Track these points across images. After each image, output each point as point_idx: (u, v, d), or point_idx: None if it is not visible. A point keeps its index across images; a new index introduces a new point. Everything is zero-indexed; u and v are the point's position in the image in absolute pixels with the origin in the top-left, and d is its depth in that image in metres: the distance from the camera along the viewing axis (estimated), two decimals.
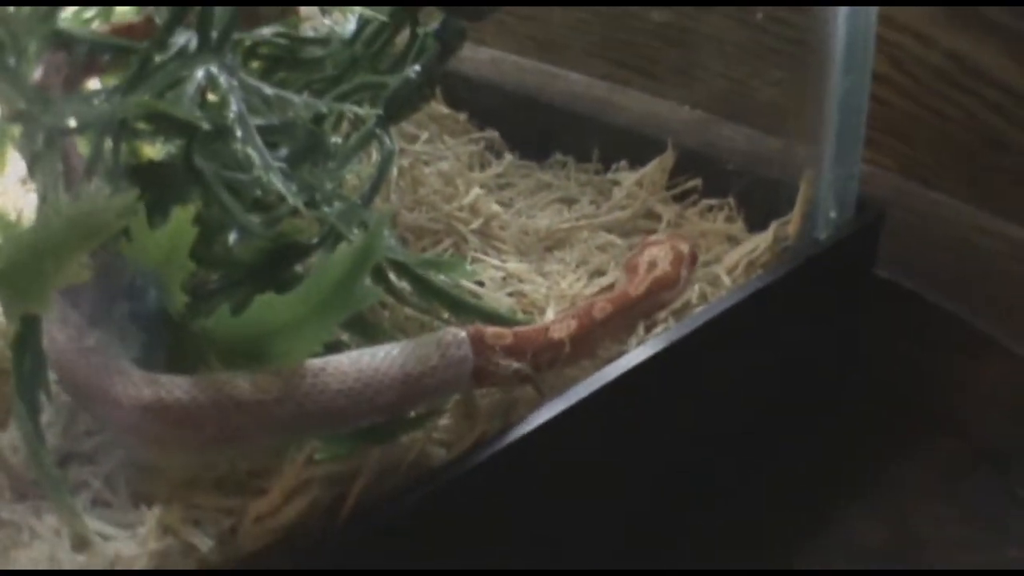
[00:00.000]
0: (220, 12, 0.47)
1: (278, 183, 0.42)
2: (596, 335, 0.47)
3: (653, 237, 0.55)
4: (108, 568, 0.39)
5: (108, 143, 0.46)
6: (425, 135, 0.66)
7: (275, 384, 0.38)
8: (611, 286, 0.54)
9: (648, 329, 0.50)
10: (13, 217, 0.41)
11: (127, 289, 0.46)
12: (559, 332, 0.45)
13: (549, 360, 0.45)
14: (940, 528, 0.54)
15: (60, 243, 0.40)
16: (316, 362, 0.38)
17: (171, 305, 0.39)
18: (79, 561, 0.39)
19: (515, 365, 0.43)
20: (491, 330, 0.43)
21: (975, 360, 0.59)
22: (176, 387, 0.38)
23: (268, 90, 0.48)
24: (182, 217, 0.36)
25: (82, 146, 0.50)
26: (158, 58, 0.47)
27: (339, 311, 0.37)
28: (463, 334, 0.42)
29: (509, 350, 0.43)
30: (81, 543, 0.40)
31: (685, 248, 0.52)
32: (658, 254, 0.51)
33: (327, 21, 0.65)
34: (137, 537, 0.40)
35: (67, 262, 0.40)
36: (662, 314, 0.51)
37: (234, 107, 0.45)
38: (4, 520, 0.41)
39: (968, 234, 0.61)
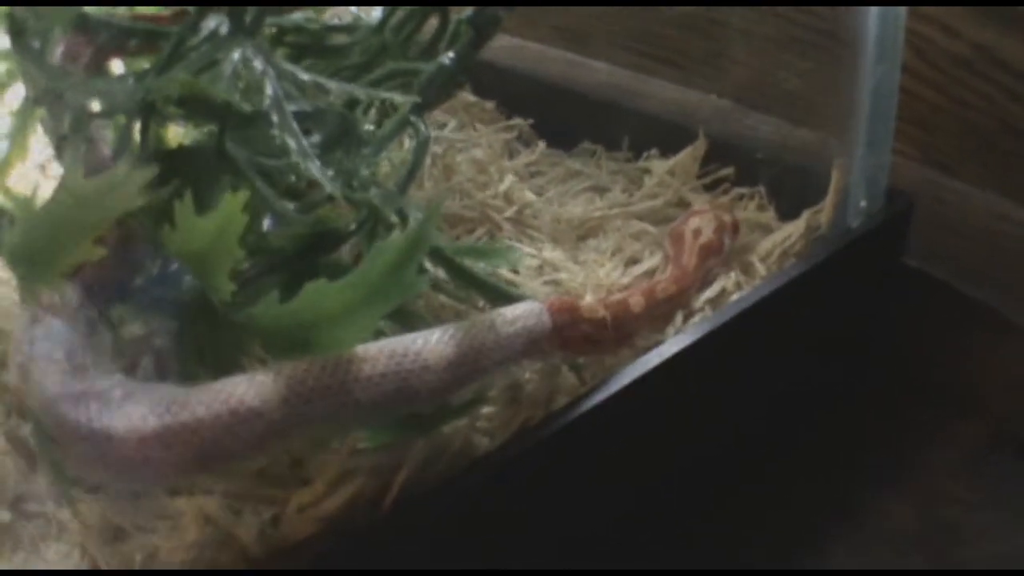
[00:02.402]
0: None
1: (315, 170, 0.42)
2: (659, 311, 0.49)
3: (696, 207, 0.56)
4: (146, 561, 0.39)
5: (136, 127, 0.45)
6: (453, 122, 0.66)
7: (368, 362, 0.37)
8: (651, 273, 0.54)
9: (686, 318, 0.50)
10: (28, 195, 0.40)
11: (159, 278, 0.46)
12: (636, 307, 0.46)
13: (627, 334, 0.46)
14: (968, 512, 0.54)
15: (74, 221, 0.40)
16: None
17: (216, 294, 0.38)
18: (108, 553, 0.39)
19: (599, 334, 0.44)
20: (586, 303, 0.45)
21: (1001, 346, 0.59)
22: (182, 406, 0.35)
23: (304, 75, 0.47)
24: (232, 203, 0.35)
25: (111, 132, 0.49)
26: (191, 41, 0.47)
27: (390, 299, 0.36)
28: (541, 306, 0.42)
29: (599, 322, 0.44)
30: (114, 535, 0.40)
31: (727, 217, 0.54)
32: (702, 223, 0.52)
33: (353, 9, 0.65)
34: (177, 528, 0.40)
35: (81, 240, 0.40)
36: (699, 303, 0.51)
37: (270, 92, 0.44)
38: (32, 512, 0.41)
39: (991, 222, 0.62)
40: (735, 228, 0.54)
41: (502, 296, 0.47)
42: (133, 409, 0.34)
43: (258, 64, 0.45)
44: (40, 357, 0.37)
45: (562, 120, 0.67)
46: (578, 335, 0.43)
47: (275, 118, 0.43)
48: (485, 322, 0.40)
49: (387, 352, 0.37)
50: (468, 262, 0.46)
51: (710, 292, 0.52)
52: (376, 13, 0.58)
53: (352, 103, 0.51)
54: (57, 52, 0.51)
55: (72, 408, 0.35)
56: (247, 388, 0.35)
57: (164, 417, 0.34)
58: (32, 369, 0.37)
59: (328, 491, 0.40)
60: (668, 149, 0.64)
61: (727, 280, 0.52)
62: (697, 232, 0.53)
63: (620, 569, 0.48)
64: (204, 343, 0.42)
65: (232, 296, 0.39)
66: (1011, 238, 0.61)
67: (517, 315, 0.41)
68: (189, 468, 0.35)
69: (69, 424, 0.34)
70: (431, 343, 0.38)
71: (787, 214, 0.59)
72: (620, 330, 0.46)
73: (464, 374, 0.39)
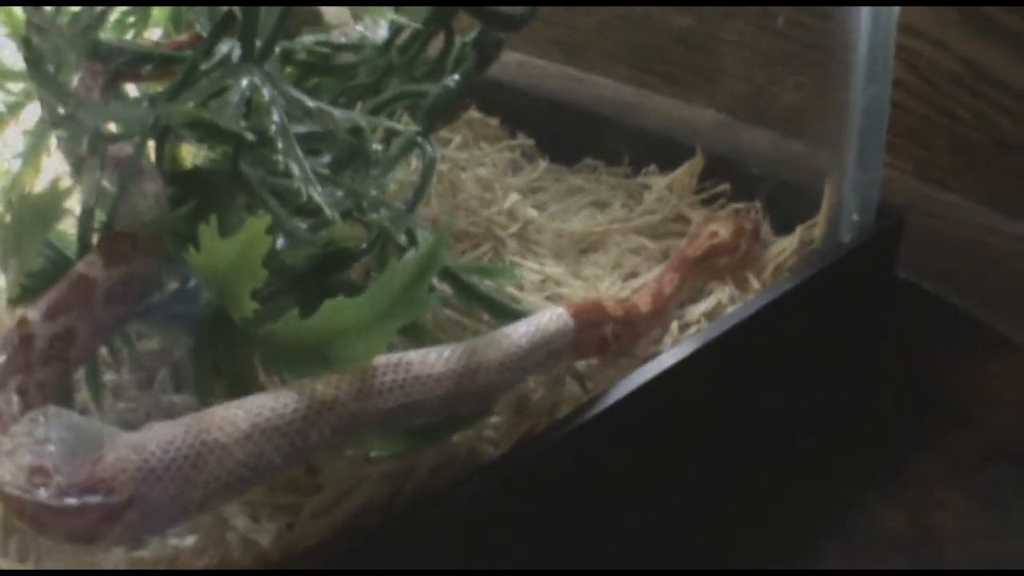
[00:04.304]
0: (264, 20, 0.48)
1: (316, 195, 0.43)
2: (669, 307, 0.52)
3: (720, 213, 0.60)
4: (168, 566, 0.41)
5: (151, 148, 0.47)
6: (458, 139, 0.68)
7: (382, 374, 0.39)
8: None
9: (682, 330, 0.52)
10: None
11: (176, 294, 0.48)
12: (645, 307, 0.50)
13: (640, 333, 0.50)
14: (957, 518, 0.56)
15: (21, 230, 0.43)
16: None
17: (238, 312, 0.40)
18: (133, 558, 0.41)
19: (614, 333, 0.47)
20: (609, 303, 0.48)
21: (991, 358, 0.61)
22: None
23: (310, 102, 0.49)
24: (257, 226, 0.37)
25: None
26: (203, 67, 0.49)
27: (404, 315, 0.38)
28: (564, 311, 0.45)
29: (620, 320, 0.48)
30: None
31: (748, 224, 0.57)
32: (720, 227, 0.56)
33: (359, 28, 0.66)
34: (197, 532, 0.42)
35: (29, 248, 0.43)
36: (695, 314, 0.53)
37: (276, 118, 0.46)
38: None
39: (982, 235, 0.63)
40: (755, 234, 0.58)
41: (506, 312, 0.49)
42: None
43: (266, 92, 0.47)
44: None
45: (564, 136, 0.69)
46: (599, 337, 0.46)
47: (280, 144, 0.45)
48: (512, 331, 0.43)
49: (404, 363, 0.39)
50: (474, 279, 0.48)
51: (705, 305, 0.54)
52: (382, 31, 0.60)
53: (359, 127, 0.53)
54: (75, 78, 0.53)
55: None
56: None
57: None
58: None
59: (341, 497, 0.42)
60: (667, 164, 0.66)
61: (722, 294, 0.54)
62: (713, 234, 0.56)
63: (621, 570, 0.50)
64: (222, 358, 0.44)
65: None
66: (1002, 252, 0.62)
67: (542, 322, 0.44)
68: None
69: None
70: (443, 357, 0.40)
71: (783, 228, 0.61)
72: (635, 328, 0.49)
73: (496, 382, 0.41)
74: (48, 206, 0.44)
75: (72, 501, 0.34)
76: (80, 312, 0.41)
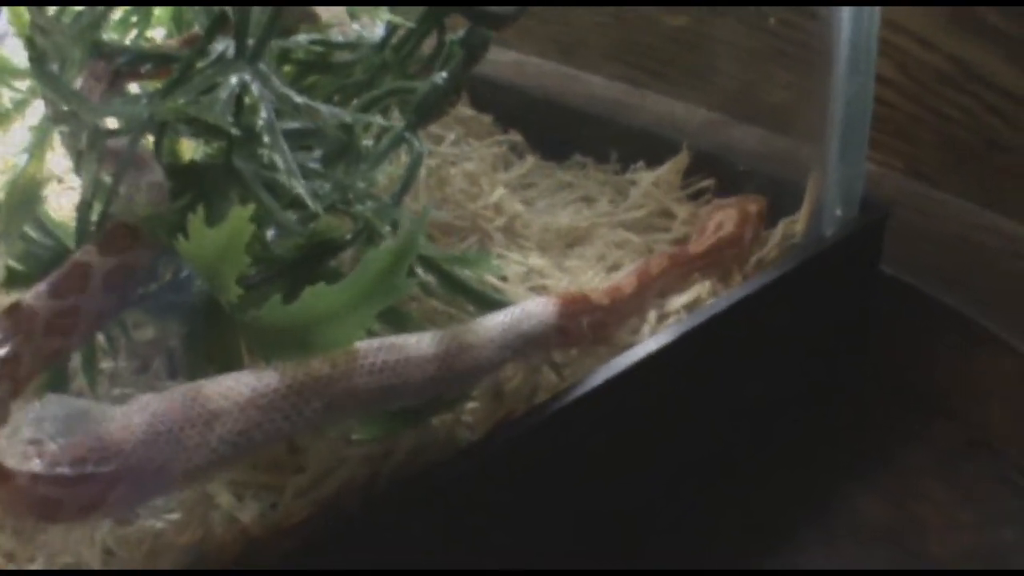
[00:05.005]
0: (256, 19, 0.50)
1: (300, 188, 0.44)
2: (654, 288, 0.53)
3: (725, 200, 0.61)
4: (153, 543, 0.42)
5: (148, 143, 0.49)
6: (451, 136, 0.69)
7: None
8: None
9: (661, 320, 0.54)
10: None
11: (170, 284, 0.50)
12: (630, 287, 0.51)
13: (624, 315, 0.51)
14: (939, 510, 0.56)
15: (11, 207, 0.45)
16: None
17: (224, 297, 0.42)
18: (119, 535, 0.42)
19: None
20: (594, 292, 0.49)
21: (974, 353, 0.61)
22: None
23: (298, 99, 0.50)
24: (241, 215, 0.39)
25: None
26: (198, 65, 0.50)
27: (381, 301, 0.40)
28: (548, 299, 0.47)
29: (606, 308, 0.49)
30: (120, 519, 0.43)
31: (753, 208, 0.58)
32: (726, 217, 0.57)
33: (356, 27, 0.68)
34: (181, 510, 0.43)
35: (13, 232, 0.45)
36: (675, 306, 0.54)
37: (263, 115, 0.47)
38: None
39: (969, 231, 0.64)
40: (760, 217, 0.59)
41: (488, 302, 0.50)
42: None
43: (255, 88, 0.49)
44: None
45: (554, 133, 0.71)
46: (582, 325, 0.48)
47: (266, 139, 0.47)
48: (495, 317, 0.45)
49: (386, 347, 0.40)
50: (456, 269, 0.50)
51: (686, 297, 0.55)
52: (379, 30, 0.61)
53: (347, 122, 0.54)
54: (79, 78, 0.55)
55: None
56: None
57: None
58: None
59: (323, 477, 0.44)
60: (655, 160, 0.67)
61: (702, 287, 0.55)
62: (719, 226, 0.57)
63: (596, 555, 0.51)
64: (212, 344, 0.46)
65: (239, 299, 0.43)
66: (990, 249, 0.63)
67: (527, 309, 0.46)
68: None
69: None
70: (426, 340, 0.42)
71: (767, 223, 0.62)
72: (619, 312, 0.50)
73: (478, 365, 0.43)
74: (29, 192, 0.46)
75: (65, 470, 0.35)
76: (78, 297, 0.43)
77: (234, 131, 0.44)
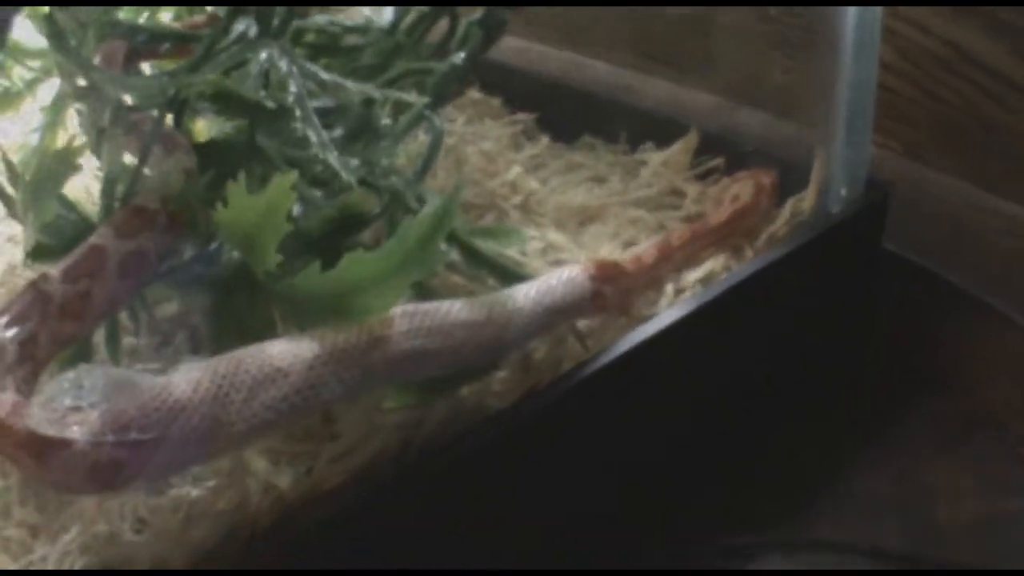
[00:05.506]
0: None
1: (333, 161, 0.45)
2: (676, 260, 0.55)
3: (741, 173, 0.62)
4: (189, 510, 0.43)
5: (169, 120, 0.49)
6: (462, 118, 0.70)
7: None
8: None
9: (678, 293, 0.55)
10: None
11: (196, 258, 0.50)
12: (650, 257, 0.53)
13: (648, 285, 0.53)
14: (945, 482, 0.57)
15: (37, 186, 0.46)
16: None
17: (260, 266, 0.43)
18: (153, 505, 0.43)
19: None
20: (619, 261, 0.51)
21: (975, 327, 0.62)
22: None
23: (324, 75, 0.51)
24: (282, 182, 0.40)
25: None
26: (221, 44, 0.51)
27: (417, 270, 0.41)
28: (580, 268, 0.48)
29: (634, 274, 0.51)
30: (156, 487, 0.44)
31: (766, 180, 0.59)
32: (742, 189, 0.59)
33: (365, 11, 0.69)
34: (217, 478, 0.43)
35: (44, 201, 0.46)
36: (689, 280, 0.56)
37: (294, 89, 0.48)
38: None
39: (966, 212, 0.65)
40: (774, 188, 0.60)
41: (510, 275, 0.51)
42: None
43: (283, 65, 0.49)
44: None
45: (565, 116, 0.72)
46: (613, 294, 0.49)
47: (298, 113, 0.47)
48: (528, 287, 0.46)
49: (421, 312, 0.41)
50: (479, 243, 0.51)
51: (700, 272, 0.56)
52: (387, 15, 0.62)
53: (371, 100, 0.55)
54: (96, 57, 0.55)
55: None
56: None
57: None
58: None
59: (356, 445, 0.45)
60: (663, 142, 0.68)
61: (716, 262, 0.56)
62: (735, 198, 0.59)
63: (612, 526, 0.52)
64: (243, 314, 0.46)
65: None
66: (985, 226, 0.64)
67: (563, 276, 0.47)
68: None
69: None
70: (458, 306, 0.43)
71: (775, 202, 0.63)
72: (644, 282, 0.52)
73: (512, 335, 0.44)
74: (62, 162, 0.46)
75: (108, 438, 0.36)
76: (92, 280, 0.43)
77: (269, 104, 0.45)
